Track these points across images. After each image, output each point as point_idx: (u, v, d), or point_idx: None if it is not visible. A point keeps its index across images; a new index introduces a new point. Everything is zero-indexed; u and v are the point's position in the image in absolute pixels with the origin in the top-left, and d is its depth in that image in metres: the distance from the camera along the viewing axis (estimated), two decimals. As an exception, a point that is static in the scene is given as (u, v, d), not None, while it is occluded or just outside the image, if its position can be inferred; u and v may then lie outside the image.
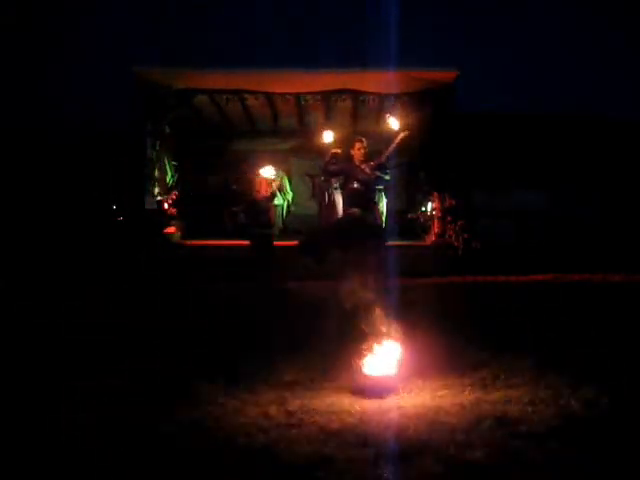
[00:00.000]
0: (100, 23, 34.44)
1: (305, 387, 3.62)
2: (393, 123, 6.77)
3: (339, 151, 7.63)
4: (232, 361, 4.14)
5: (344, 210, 6.95)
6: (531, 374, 3.72)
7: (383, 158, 6.65)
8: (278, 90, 10.82)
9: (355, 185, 6.48)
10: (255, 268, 8.22)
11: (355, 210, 6.45)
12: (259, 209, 8.34)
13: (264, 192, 8.60)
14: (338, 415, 3.07)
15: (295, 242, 7.46)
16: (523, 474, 2.37)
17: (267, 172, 8.58)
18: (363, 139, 6.61)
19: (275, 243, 8.78)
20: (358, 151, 6.49)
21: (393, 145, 6.54)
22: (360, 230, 6.29)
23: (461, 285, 8.46)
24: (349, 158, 6.69)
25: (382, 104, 11.23)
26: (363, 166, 6.47)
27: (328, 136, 7.72)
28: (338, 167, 7.09)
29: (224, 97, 11.11)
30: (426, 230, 11.12)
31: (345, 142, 7.28)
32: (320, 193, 11.28)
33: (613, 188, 12.71)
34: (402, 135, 6.48)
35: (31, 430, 2.88)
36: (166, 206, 10.77)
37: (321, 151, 7.83)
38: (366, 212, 6.40)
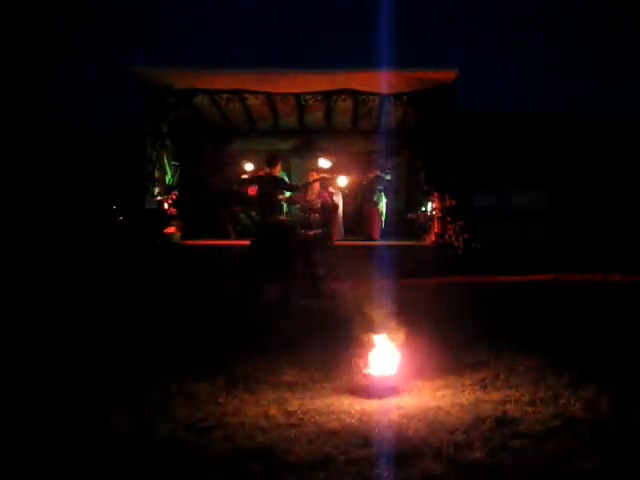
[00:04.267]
0: (101, 22, 34.43)
1: (305, 387, 3.62)
2: (323, 163, 7.03)
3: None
4: (232, 361, 4.13)
5: None
6: (531, 374, 3.72)
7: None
8: (278, 90, 10.82)
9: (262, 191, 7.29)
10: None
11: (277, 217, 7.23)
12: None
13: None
14: (338, 415, 3.07)
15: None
16: (523, 474, 2.37)
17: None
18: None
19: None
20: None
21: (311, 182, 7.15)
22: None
23: (461, 285, 8.46)
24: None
25: (382, 104, 11.24)
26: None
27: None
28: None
29: (224, 97, 11.11)
30: (426, 230, 11.11)
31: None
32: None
33: (614, 188, 12.71)
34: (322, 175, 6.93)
35: (21, 429, 2.89)
36: (166, 206, 10.76)
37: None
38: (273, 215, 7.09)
